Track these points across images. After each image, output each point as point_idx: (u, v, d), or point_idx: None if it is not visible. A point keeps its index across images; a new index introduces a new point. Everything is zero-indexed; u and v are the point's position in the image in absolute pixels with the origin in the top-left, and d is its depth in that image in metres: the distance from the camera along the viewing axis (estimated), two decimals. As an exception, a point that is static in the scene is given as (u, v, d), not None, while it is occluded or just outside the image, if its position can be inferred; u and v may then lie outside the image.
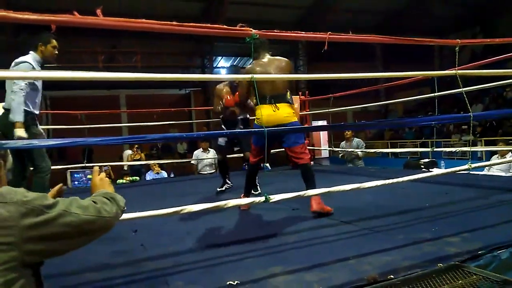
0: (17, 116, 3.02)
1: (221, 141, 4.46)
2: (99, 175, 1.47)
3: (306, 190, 2.94)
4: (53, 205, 1.10)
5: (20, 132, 3.02)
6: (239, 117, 4.35)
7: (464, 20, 17.62)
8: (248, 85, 3.39)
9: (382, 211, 3.06)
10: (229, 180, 4.63)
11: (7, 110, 3.16)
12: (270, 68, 3.24)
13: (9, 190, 1.08)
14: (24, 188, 1.14)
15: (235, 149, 4.70)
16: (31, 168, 3.28)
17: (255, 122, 3.32)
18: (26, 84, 3.08)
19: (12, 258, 1.00)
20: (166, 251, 2.41)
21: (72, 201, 1.16)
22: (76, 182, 6.47)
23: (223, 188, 4.57)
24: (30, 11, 1.86)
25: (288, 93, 3.26)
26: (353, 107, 7.24)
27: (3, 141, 1.62)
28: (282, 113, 3.17)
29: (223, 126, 4.50)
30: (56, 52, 3.35)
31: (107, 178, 1.47)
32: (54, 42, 3.31)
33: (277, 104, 3.16)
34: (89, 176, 6.31)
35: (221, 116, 4.43)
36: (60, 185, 1.50)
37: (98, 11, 1.95)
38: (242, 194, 3.58)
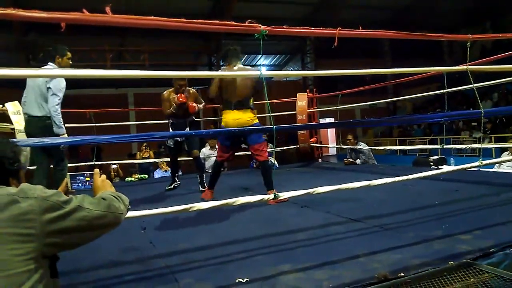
0: (61, 130, 3.62)
1: (170, 142, 4.73)
2: (100, 176, 1.51)
3: (264, 184, 3.64)
4: (68, 201, 1.18)
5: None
6: (188, 119, 4.62)
7: (474, 16, 17.42)
8: (217, 85, 3.73)
9: (391, 208, 3.03)
10: (177, 179, 4.94)
11: (33, 117, 3.67)
12: (238, 76, 3.65)
13: (29, 187, 1.16)
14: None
15: (186, 148, 4.85)
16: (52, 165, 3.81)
17: (222, 124, 3.76)
18: (59, 101, 3.59)
19: (33, 249, 1.08)
20: (175, 248, 2.41)
21: (84, 198, 1.24)
22: (80, 184, 6.56)
23: (172, 187, 4.84)
24: (39, 10, 1.87)
25: (251, 99, 3.72)
26: (361, 104, 7.21)
27: (15, 139, 1.65)
28: (245, 117, 3.65)
29: (171, 129, 4.69)
30: (71, 62, 3.81)
31: (108, 180, 1.51)
32: (69, 54, 3.78)
33: (240, 110, 3.64)
34: (87, 178, 6.45)
35: (169, 121, 4.69)
36: (65, 183, 1.56)
37: (107, 9, 1.96)
38: (207, 188, 4.00)
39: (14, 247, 1.05)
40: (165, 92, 4.63)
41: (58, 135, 3.59)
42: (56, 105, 3.56)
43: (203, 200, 3.83)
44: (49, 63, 3.72)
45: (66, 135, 3.65)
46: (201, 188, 4.55)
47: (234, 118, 3.64)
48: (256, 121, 3.73)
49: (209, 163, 7.45)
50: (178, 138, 4.62)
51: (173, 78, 4.47)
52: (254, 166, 7.23)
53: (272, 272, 1.90)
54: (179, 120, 4.59)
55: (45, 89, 3.58)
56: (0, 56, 13.68)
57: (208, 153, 7.20)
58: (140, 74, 2.32)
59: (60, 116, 3.61)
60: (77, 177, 6.47)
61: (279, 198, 2.40)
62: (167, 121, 5.32)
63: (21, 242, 1.06)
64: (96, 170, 1.54)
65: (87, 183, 6.12)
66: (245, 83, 3.63)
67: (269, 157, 7.05)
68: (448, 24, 17.69)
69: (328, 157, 13.60)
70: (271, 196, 2.37)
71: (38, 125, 3.66)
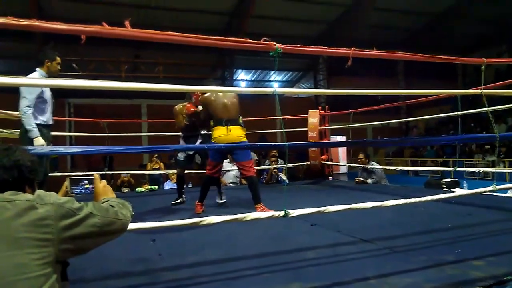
0: (32, 133, 3.45)
1: (181, 156, 4.69)
2: (101, 182, 1.54)
3: (252, 199, 3.81)
4: (81, 208, 1.22)
5: (37, 142, 3.42)
6: (200, 133, 4.65)
7: (489, 38, 17.37)
8: (206, 109, 4.10)
9: (402, 230, 3.00)
10: (183, 195, 4.82)
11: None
12: (224, 97, 3.96)
13: (45, 193, 1.20)
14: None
15: (198, 161, 4.89)
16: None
17: (212, 140, 3.97)
18: (28, 104, 3.43)
19: (49, 254, 1.12)
20: (183, 261, 2.41)
21: (94, 205, 1.28)
22: (82, 190, 6.66)
23: (178, 201, 4.74)
24: (61, 21, 1.92)
25: (240, 117, 3.96)
26: (373, 123, 7.17)
27: (31, 147, 1.69)
28: (234, 134, 3.86)
29: (183, 142, 4.71)
30: (59, 68, 3.69)
31: (109, 186, 1.53)
32: (59, 59, 3.67)
33: (230, 127, 3.86)
34: (86, 186, 6.52)
35: (181, 134, 4.73)
36: (65, 187, 1.59)
37: (127, 23, 2.00)
38: (197, 201, 4.11)
39: (33, 251, 1.09)
40: (177, 106, 4.68)
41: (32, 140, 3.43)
42: (24, 107, 3.42)
43: (197, 214, 3.95)
44: (36, 69, 3.60)
45: (39, 139, 3.44)
46: (218, 201, 4.54)
47: (224, 134, 3.86)
48: (245, 139, 3.95)
49: (228, 178, 7.38)
50: (190, 152, 4.63)
51: (186, 94, 4.54)
52: (264, 182, 7.23)
53: (281, 290, 1.88)
54: (191, 133, 4.62)
55: None
56: (20, 64, 13.98)
57: (226, 167, 7.03)
58: (154, 87, 2.35)
59: (30, 119, 3.43)
60: (79, 183, 6.58)
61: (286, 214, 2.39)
62: (178, 134, 5.39)
63: (39, 247, 1.10)
64: (97, 176, 1.56)
65: (87, 190, 6.22)
66: (233, 101, 3.96)
67: (279, 173, 7.12)
68: (462, 46, 17.67)
69: (338, 175, 13.52)
70: (282, 212, 2.35)
71: (20, 132, 3.62)
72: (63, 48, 11.57)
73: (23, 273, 1.05)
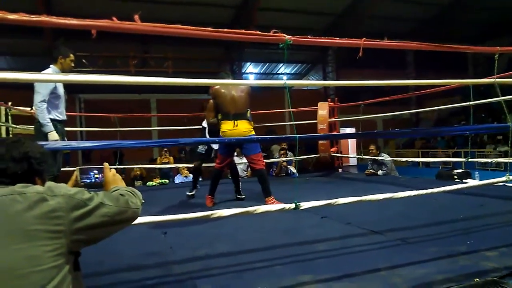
0: (46, 128, 3.51)
1: (201, 148, 4.81)
2: (110, 171, 1.53)
3: (262, 192, 3.84)
4: (91, 198, 1.22)
5: (52, 137, 3.49)
6: None
7: (500, 27, 17.05)
8: (214, 105, 4.15)
9: (413, 222, 2.98)
10: (198, 185, 4.95)
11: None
12: (233, 90, 3.91)
13: (55, 185, 1.20)
14: None
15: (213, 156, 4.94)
16: None
17: (220, 134, 3.97)
18: (43, 98, 3.48)
19: (62, 245, 1.12)
20: (195, 254, 2.43)
21: (105, 194, 1.28)
22: (92, 179, 6.78)
23: (193, 193, 4.85)
24: (69, 17, 1.93)
25: (249, 111, 3.93)
26: (383, 115, 7.12)
27: (44, 142, 1.71)
28: (242, 128, 3.85)
29: (207, 135, 4.77)
30: (73, 65, 3.73)
31: (118, 174, 1.53)
32: (72, 56, 3.71)
33: (237, 121, 3.84)
34: (96, 176, 6.57)
35: (206, 127, 4.79)
36: (75, 176, 1.59)
37: (136, 17, 2.00)
38: (207, 195, 4.12)
39: (45, 243, 1.09)
40: (211, 100, 4.64)
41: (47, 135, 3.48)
42: (39, 102, 3.47)
43: (208, 207, 3.97)
44: (50, 65, 3.67)
45: (53, 133, 3.49)
46: (238, 196, 4.51)
47: (230, 128, 3.86)
48: (253, 132, 3.93)
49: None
50: (212, 145, 4.63)
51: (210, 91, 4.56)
52: (273, 174, 7.24)
53: (292, 282, 1.89)
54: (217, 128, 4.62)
55: None
56: (30, 61, 14.12)
57: (236, 160, 7.04)
58: (164, 81, 2.36)
59: (44, 113, 3.48)
60: (89, 172, 6.69)
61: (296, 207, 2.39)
62: (189, 127, 5.41)
63: (51, 239, 1.10)
64: (106, 164, 1.55)
65: (97, 179, 6.33)
66: (242, 95, 3.93)
67: (289, 166, 7.12)
68: (473, 36, 17.40)
69: (348, 167, 13.47)
70: (292, 205, 2.36)
71: (35, 127, 3.68)
72: (73, 44, 11.68)
73: (36, 265, 1.05)
